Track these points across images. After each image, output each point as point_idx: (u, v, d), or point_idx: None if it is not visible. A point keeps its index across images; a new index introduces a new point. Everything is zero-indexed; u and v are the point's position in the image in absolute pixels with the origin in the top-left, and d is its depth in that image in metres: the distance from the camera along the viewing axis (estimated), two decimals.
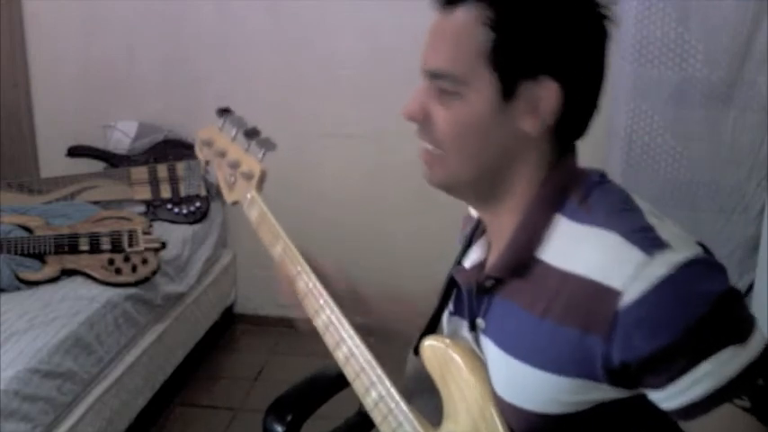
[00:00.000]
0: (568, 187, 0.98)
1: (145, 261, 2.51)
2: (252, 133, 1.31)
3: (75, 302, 2.30)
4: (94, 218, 2.62)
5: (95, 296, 2.35)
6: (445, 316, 1.12)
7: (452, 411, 1.01)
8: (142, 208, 2.93)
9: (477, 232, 1.10)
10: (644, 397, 0.91)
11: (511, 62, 0.94)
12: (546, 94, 0.94)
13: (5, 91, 3.13)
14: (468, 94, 0.95)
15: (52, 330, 2.13)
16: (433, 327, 1.11)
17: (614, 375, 0.89)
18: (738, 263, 2.33)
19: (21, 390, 1.91)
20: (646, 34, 2.33)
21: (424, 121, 0.99)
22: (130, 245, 2.51)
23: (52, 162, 3.16)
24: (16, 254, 2.42)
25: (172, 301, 2.71)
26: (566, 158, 1.00)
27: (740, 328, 0.87)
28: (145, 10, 3.08)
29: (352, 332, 1.11)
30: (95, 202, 2.84)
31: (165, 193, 2.99)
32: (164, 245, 2.59)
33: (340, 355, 1.12)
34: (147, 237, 2.55)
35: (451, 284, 1.09)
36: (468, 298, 1.04)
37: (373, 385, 1.07)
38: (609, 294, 0.87)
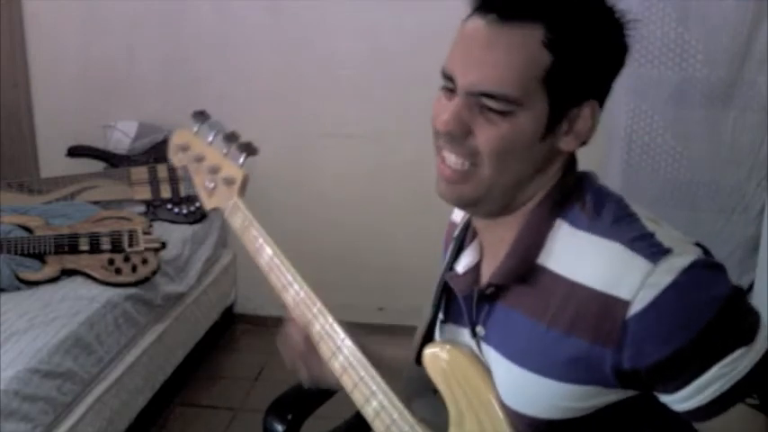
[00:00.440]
0: (570, 192, 0.98)
1: (145, 261, 2.51)
2: (231, 137, 1.25)
3: (75, 302, 2.29)
4: (94, 218, 2.62)
5: (95, 296, 2.34)
6: (437, 324, 1.11)
7: (458, 418, 1.00)
8: (142, 208, 2.93)
9: (467, 236, 1.08)
10: (650, 395, 0.91)
11: (565, 88, 0.93)
12: (585, 114, 0.95)
13: (5, 91, 3.12)
14: (518, 114, 0.92)
15: (52, 330, 2.13)
16: (430, 335, 1.10)
17: (625, 380, 0.89)
18: (738, 263, 2.33)
19: (21, 390, 1.91)
20: (646, 34, 2.32)
21: (461, 135, 0.95)
22: (130, 245, 2.51)
23: (52, 162, 3.16)
24: (16, 254, 2.42)
25: (172, 301, 2.70)
26: (571, 164, 1.00)
27: (747, 328, 0.88)
28: (145, 10, 3.08)
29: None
30: (95, 202, 2.83)
31: (165, 193, 2.99)
32: (164, 245, 2.59)
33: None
34: (147, 237, 2.55)
35: (443, 291, 1.08)
36: (466, 305, 1.03)
37: (374, 394, 1.05)
38: (617, 304, 0.87)
